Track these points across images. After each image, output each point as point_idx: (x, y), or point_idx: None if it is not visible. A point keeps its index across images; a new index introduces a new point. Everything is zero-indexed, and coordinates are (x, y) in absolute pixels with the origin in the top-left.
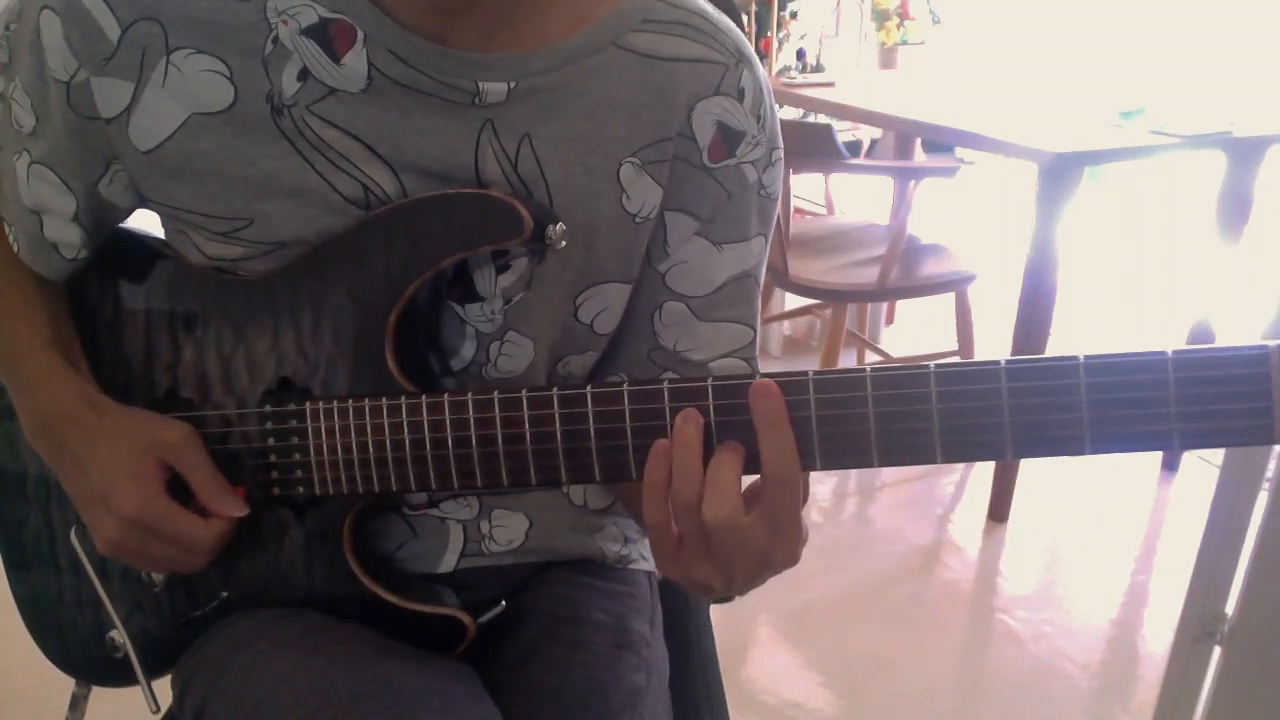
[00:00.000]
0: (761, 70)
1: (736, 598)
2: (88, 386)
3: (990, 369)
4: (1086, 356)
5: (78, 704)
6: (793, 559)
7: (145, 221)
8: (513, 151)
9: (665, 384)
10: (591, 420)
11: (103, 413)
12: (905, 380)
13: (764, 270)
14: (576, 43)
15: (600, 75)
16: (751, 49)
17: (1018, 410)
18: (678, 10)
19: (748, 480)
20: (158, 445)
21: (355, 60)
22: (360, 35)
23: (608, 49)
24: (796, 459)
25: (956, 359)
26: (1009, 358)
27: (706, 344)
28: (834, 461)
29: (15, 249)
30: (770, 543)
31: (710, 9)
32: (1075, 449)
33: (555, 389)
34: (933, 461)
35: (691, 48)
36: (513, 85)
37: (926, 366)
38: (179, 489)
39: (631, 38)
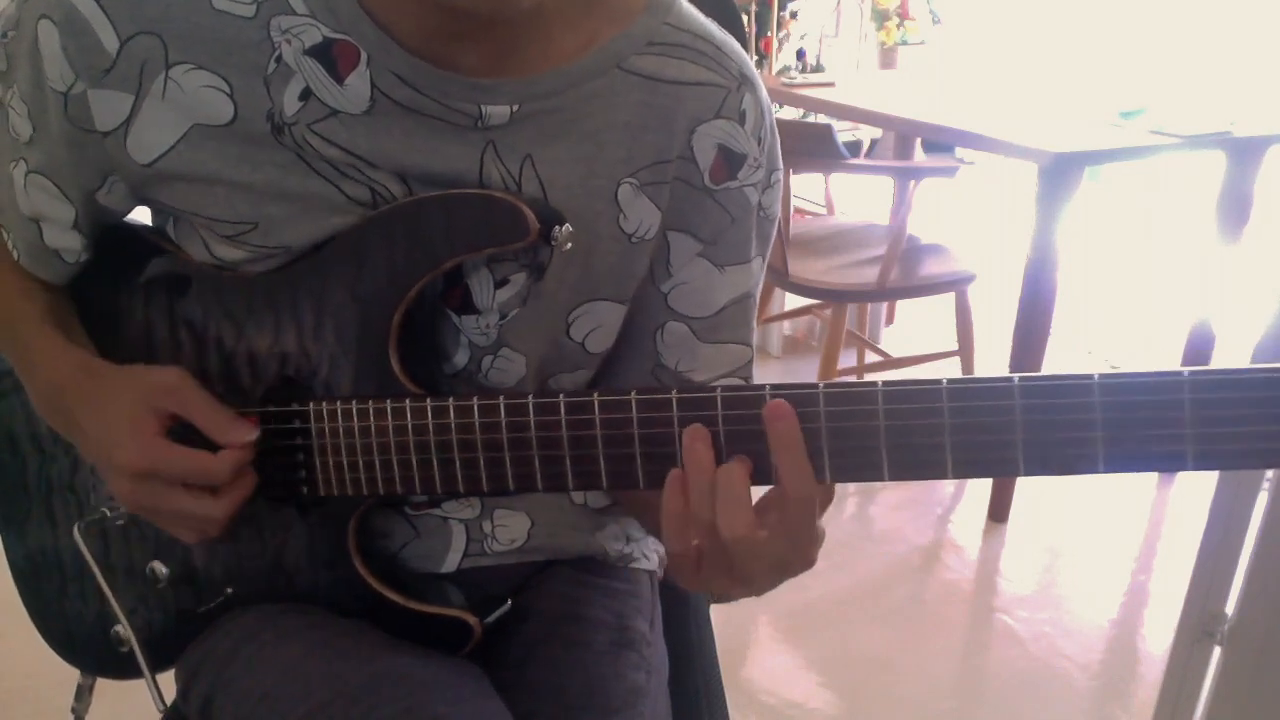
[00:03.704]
0: (764, 92)
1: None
2: (82, 353)
3: (1004, 386)
4: (1101, 375)
5: (83, 695)
6: (809, 563)
7: (145, 216)
8: (515, 172)
9: (674, 394)
10: (599, 427)
11: (97, 376)
12: (917, 395)
13: (760, 288)
14: (581, 66)
15: (604, 98)
16: (755, 71)
17: (1031, 428)
18: (682, 34)
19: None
20: (151, 393)
21: (358, 82)
22: (364, 57)
23: (611, 72)
24: (813, 478)
25: (958, 364)
26: (1023, 374)
27: (707, 365)
28: (845, 475)
29: (15, 256)
30: (788, 553)
31: (715, 31)
32: (1088, 468)
33: (562, 395)
34: (944, 477)
35: (695, 71)
36: (515, 108)
37: (939, 381)
38: (184, 432)
39: (636, 60)
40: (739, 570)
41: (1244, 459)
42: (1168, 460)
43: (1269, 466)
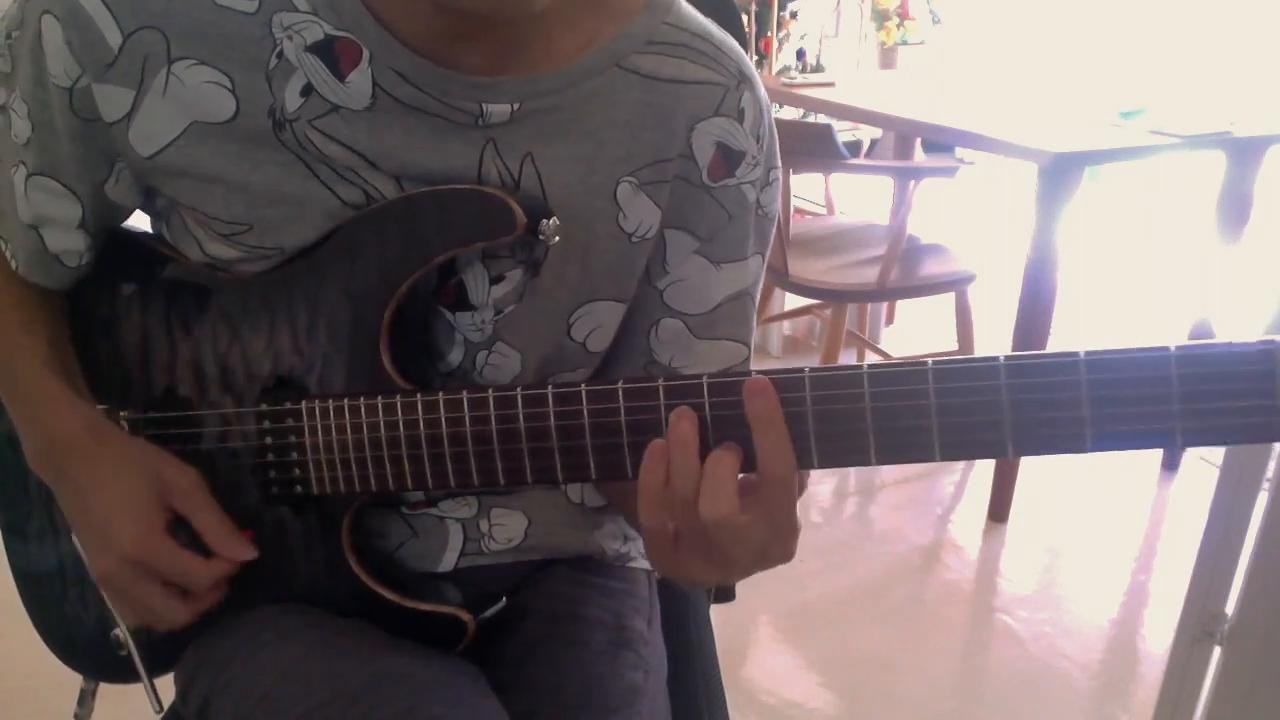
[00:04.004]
0: (763, 91)
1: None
2: (91, 411)
3: (989, 365)
4: (1087, 353)
5: (85, 700)
6: (788, 554)
7: (140, 220)
8: (515, 169)
9: (660, 382)
10: (586, 417)
11: (105, 441)
12: (903, 377)
13: (759, 290)
14: (581, 65)
15: (604, 97)
16: (754, 69)
17: (1017, 407)
18: (681, 33)
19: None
20: (164, 488)
21: (360, 79)
22: (366, 54)
23: (611, 71)
24: (793, 457)
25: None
26: (1008, 354)
27: (701, 361)
28: (832, 460)
29: (13, 265)
30: (767, 539)
31: (714, 30)
32: (1076, 447)
33: (550, 387)
34: (931, 459)
35: (693, 69)
36: (516, 107)
37: (924, 363)
38: (179, 529)
39: (635, 59)
40: (718, 554)
41: (1232, 434)
42: (1156, 437)
43: (1257, 441)
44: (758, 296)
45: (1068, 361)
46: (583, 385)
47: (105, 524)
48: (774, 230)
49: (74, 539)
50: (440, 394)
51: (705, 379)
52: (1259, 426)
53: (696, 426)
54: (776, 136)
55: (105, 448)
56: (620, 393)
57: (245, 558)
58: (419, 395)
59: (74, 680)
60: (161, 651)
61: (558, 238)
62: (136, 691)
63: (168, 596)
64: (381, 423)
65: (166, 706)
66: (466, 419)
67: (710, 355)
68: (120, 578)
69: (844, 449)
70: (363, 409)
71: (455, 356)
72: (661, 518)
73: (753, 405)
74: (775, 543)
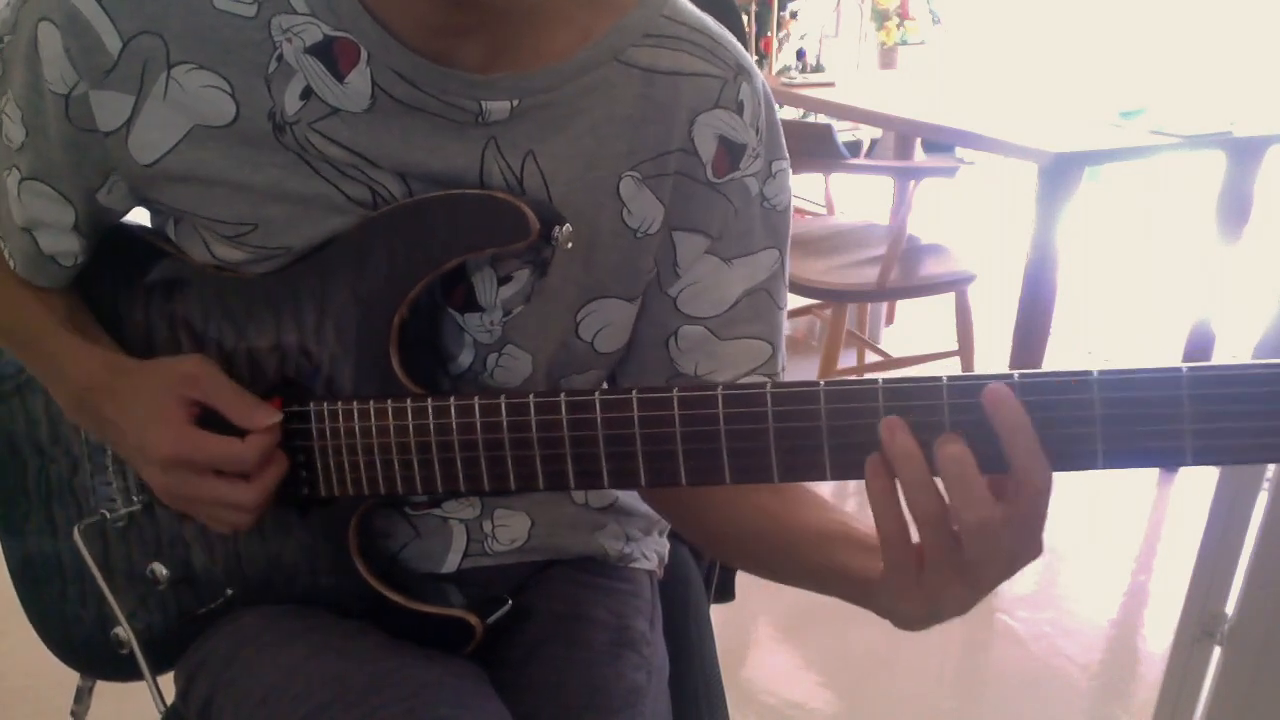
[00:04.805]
0: (762, 82)
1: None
2: (107, 352)
3: (1004, 383)
4: (1101, 372)
5: (82, 697)
6: (1039, 550)
7: (143, 217)
8: (517, 167)
9: (675, 392)
10: (600, 426)
11: (122, 373)
12: (918, 393)
13: (783, 290)
14: (578, 60)
15: (602, 91)
16: (752, 61)
17: (1031, 425)
18: (678, 25)
19: None
20: (175, 383)
21: (359, 80)
22: (364, 54)
23: (609, 64)
24: (1048, 464)
25: (958, 362)
26: (1023, 371)
27: (727, 363)
28: (846, 473)
29: (11, 265)
30: (1018, 544)
31: (711, 23)
32: (1088, 464)
33: (563, 394)
34: None
35: (691, 62)
36: (515, 103)
37: (940, 379)
38: (210, 421)
39: (633, 53)
40: (972, 570)
41: (1243, 454)
42: (1167, 456)
43: (1268, 461)
44: (779, 295)
45: (1081, 380)
46: (596, 394)
47: (141, 443)
48: (788, 225)
49: (77, 538)
50: (452, 398)
51: (720, 390)
52: (1269, 447)
53: (911, 434)
54: (780, 129)
55: (123, 378)
56: (635, 401)
57: (272, 422)
58: (430, 399)
59: (74, 679)
60: (163, 650)
61: (571, 244)
62: (135, 691)
63: (232, 483)
64: (391, 426)
65: (168, 704)
66: (478, 424)
67: (733, 356)
68: (176, 485)
69: (857, 462)
70: (372, 412)
71: (465, 358)
72: (902, 525)
73: (1001, 416)
74: (1025, 548)
